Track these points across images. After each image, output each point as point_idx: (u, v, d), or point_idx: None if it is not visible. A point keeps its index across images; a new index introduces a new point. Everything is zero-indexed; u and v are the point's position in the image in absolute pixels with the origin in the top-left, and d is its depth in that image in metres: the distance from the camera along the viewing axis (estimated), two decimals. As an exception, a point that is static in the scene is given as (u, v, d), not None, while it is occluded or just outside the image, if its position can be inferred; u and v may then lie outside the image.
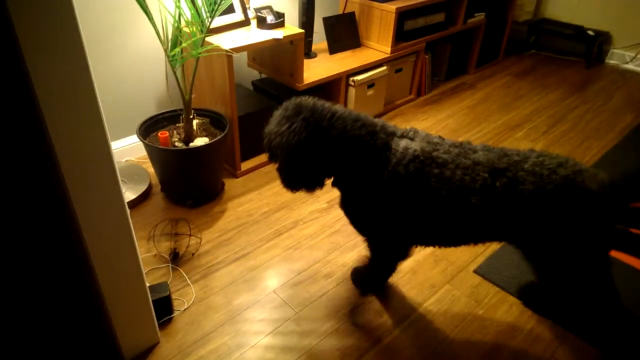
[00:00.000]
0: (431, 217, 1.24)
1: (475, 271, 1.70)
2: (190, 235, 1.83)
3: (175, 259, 1.72)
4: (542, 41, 3.90)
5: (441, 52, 3.18)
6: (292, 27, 2.15)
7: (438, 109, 2.91)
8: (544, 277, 1.41)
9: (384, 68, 2.62)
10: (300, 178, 1.25)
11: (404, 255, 1.48)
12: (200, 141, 1.93)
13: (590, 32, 3.52)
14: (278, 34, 2.03)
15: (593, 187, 1.13)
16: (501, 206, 1.17)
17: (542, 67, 3.56)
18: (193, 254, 1.74)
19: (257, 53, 2.41)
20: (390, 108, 2.87)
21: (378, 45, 2.70)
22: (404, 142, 1.23)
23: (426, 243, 1.37)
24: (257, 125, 2.22)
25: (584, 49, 3.55)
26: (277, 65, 2.32)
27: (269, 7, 2.15)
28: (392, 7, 2.54)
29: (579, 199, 1.12)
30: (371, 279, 1.60)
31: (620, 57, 3.59)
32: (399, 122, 2.74)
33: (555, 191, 1.13)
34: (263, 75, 2.55)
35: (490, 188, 1.17)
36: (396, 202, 1.24)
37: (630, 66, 3.54)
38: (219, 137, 1.87)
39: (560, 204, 1.13)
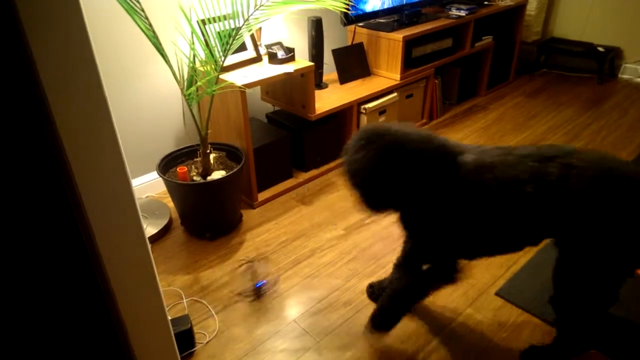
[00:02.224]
0: (493, 221, 1.25)
1: (497, 293, 1.67)
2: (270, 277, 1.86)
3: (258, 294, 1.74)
4: (553, 60, 3.91)
5: (451, 76, 3.22)
6: (302, 60, 2.22)
7: (451, 132, 2.93)
8: (566, 291, 1.37)
9: (394, 95, 2.67)
10: (378, 200, 1.29)
11: (453, 270, 1.48)
12: (217, 174, 1.98)
13: (601, 49, 3.52)
14: (289, 68, 2.10)
15: None
16: (557, 192, 1.15)
17: (553, 86, 3.56)
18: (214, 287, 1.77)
19: (270, 87, 2.49)
20: (403, 133, 2.90)
21: (387, 73, 2.75)
22: (469, 157, 1.27)
23: (483, 253, 1.37)
24: (272, 156, 2.27)
25: (596, 65, 3.55)
26: (289, 97, 2.38)
27: (280, 43, 2.23)
28: (399, 36, 2.61)
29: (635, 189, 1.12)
30: (397, 306, 1.52)
31: (633, 72, 3.57)
32: (413, 147, 2.76)
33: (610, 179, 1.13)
34: (277, 108, 2.63)
35: (543, 175, 1.17)
36: (466, 211, 1.27)
37: (644, 80, 3.51)
38: (235, 170, 1.92)
39: (615, 192, 1.12)
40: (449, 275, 1.51)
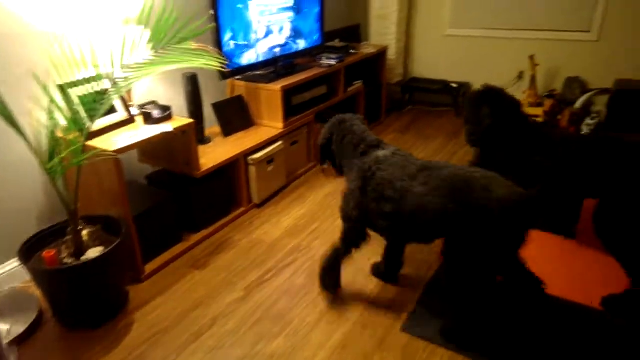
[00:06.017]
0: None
1: (402, 329, 1.71)
2: (94, 361, 1.61)
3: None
4: (416, 97, 4.34)
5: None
6: (180, 118, 2.14)
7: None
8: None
9: (280, 143, 2.69)
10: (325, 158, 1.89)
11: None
12: (93, 252, 1.77)
13: (454, 84, 4.01)
14: (167, 127, 1.99)
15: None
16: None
17: (419, 121, 3.93)
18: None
19: (148, 148, 2.34)
20: (293, 179, 2.92)
21: (270, 122, 2.78)
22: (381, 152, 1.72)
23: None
24: (156, 221, 2.11)
25: (452, 99, 4.01)
26: (170, 156, 2.26)
27: (154, 102, 2.12)
28: (277, 87, 2.67)
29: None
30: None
31: (481, 103, 4.10)
32: (304, 191, 2.79)
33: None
34: (158, 168, 2.47)
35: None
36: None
37: (491, 109, 4.05)
38: (114, 245, 1.73)
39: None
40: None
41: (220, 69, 1.84)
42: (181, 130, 2.07)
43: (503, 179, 1.44)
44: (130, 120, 2.03)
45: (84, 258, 1.72)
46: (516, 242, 1.44)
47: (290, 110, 2.84)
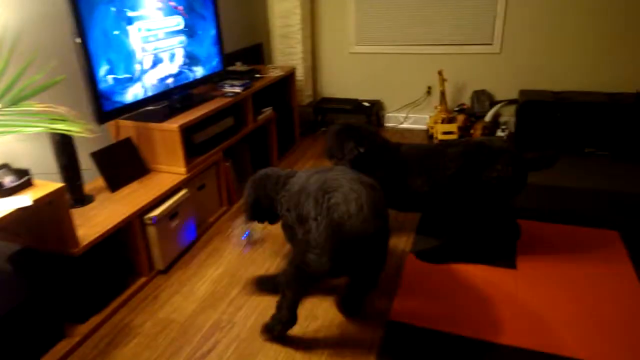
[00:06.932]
0: None
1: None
2: None
3: None
4: (328, 118, 4.12)
5: (241, 154, 2.99)
6: (45, 183, 1.63)
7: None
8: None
9: (184, 191, 2.26)
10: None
11: None
12: None
13: (366, 103, 3.85)
14: (24, 200, 1.49)
15: None
16: None
17: (337, 143, 3.71)
18: None
19: (4, 224, 1.77)
20: (205, 228, 2.50)
21: (170, 167, 2.33)
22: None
23: None
24: (26, 321, 1.58)
25: (365, 118, 3.86)
26: (38, 231, 1.73)
27: (5, 166, 1.59)
28: (173, 126, 2.24)
29: None
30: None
31: (395, 119, 4.01)
32: (219, 242, 2.38)
33: None
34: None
35: None
36: None
37: (405, 125, 3.97)
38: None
39: None
40: None
41: (82, 134, 1.39)
42: (47, 201, 1.57)
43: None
44: (-33, 195, 1.49)
45: None
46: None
47: (192, 149, 2.42)
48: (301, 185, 1.69)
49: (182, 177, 2.29)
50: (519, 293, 1.90)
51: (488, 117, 3.45)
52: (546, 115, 3.18)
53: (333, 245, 1.40)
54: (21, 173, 1.59)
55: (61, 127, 1.22)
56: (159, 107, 2.46)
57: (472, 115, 3.56)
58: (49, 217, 1.66)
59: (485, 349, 1.63)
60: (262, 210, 1.92)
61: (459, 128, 3.41)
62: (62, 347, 1.71)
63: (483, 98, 3.56)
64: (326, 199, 1.48)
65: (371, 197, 1.46)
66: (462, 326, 1.73)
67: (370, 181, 1.57)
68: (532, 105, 3.20)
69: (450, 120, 3.46)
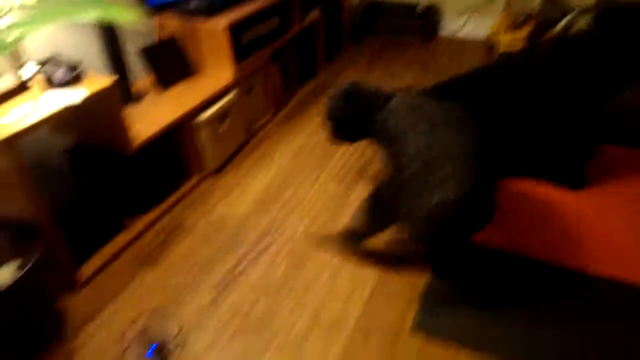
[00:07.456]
0: None
1: (413, 329, 1.43)
2: None
3: None
4: (378, 24, 3.81)
5: (287, 59, 2.84)
6: (95, 77, 1.58)
7: (305, 120, 2.59)
8: None
9: (233, 94, 2.19)
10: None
11: None
12: (3, 273, 1.30)
13: (420, 8, 3.53)
14: (74, 96, 1.44)
15: None
16: None
17: (386, 52, 3.47)
18: None
19: (54, 122, 1.77)
20: (253, 133, 2.46)
21: (217, 70, 2.24)
22: None
23: None
24: (86, 211, 1.63)
25: (419, 25, 3.56)
26: (91, 128, 1.72)
27: (53, 58, 1.53)
28: (221, 24, 2.10)
29: None
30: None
31: (451, 28, 3.68)
32: (269, 147, 2.36)
33: None
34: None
35: None
36: None
37: (462, 34, 3.65)
38: (32, 262, 1.27)
39: None
40: None
41: (138, 22, 1.29)
42: (97, 99, 1.53)
43: None
44: (22, 87, 1.45)
45: (-15, 289, 1.25)
46: None
47: (240, 50, 2.29)
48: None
49: (230, 79, 2.20)
50: (589, 215, 1.81)
51: (559, 28, 3.10)
52: (630, 26, 2.83)
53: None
54: (72, 67, 1.54)
55: (118, 13, 1.13)
56: (203, 2, 2.30)
57: (541, 24, 3.21)
58: (102, 112, 1.64)
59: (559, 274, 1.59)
60: (349, 130, 1.73)
61: (526, 39, 3.10)
62: (120, 240, 1.78)
63: (555, 5, 3.18)
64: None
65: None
66: (536, 250, 1.69)
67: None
68: (613, 15, 2.83)
69: (516, 28, 3.14)
